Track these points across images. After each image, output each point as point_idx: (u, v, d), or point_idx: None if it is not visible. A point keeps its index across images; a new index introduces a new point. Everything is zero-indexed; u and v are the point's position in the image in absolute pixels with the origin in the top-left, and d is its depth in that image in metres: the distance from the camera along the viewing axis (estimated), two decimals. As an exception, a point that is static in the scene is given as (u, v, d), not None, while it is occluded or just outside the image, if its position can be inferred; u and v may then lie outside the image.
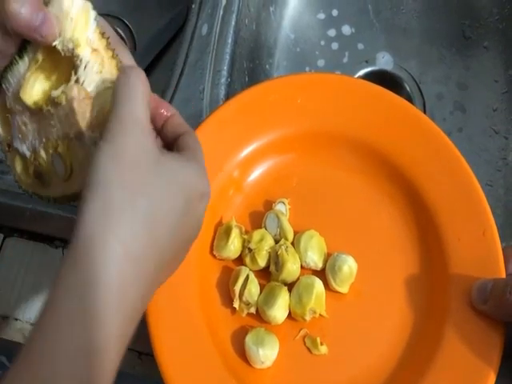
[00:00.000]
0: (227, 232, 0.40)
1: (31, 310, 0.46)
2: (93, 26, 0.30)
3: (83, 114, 0.28)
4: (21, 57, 0.30)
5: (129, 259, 0.25)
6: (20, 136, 0.31)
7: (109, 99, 0.28)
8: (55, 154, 0.30)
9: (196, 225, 0.30)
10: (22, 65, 0.30)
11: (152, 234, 0.25)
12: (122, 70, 0.28)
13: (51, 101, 0.29)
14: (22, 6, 0.27)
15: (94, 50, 0.30)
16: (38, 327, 0.25)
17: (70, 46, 0.29)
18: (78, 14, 0.29)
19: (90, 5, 0.30)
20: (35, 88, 0.30)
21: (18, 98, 0.30)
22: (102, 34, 0.31)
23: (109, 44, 0.31)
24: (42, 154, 0.30)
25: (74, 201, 0.31)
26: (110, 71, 0.30)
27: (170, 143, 0.32)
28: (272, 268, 0.39)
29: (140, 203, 0.25)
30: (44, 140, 0.30)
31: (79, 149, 0.29)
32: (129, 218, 0.24)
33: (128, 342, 0.27)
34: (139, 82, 0.27)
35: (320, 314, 0.38)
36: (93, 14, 0.30)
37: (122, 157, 0.25)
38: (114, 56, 0.31)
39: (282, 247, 0.38)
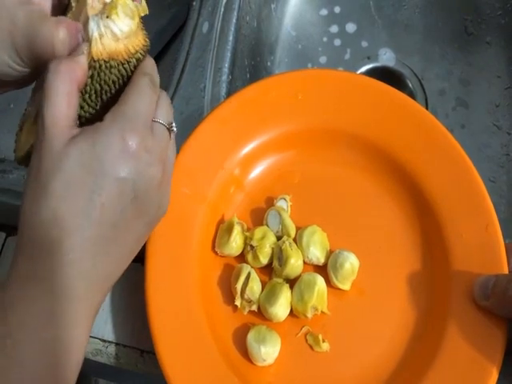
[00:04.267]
0: (229, 229, 0.40)
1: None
2: None
3: None
4: None
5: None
6: None
7: None
8: None
9: (121, 186, 0.28)
10: None
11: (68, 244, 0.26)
12: (50, 65, 0.28)
13: None
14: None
15: None
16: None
17: None
18: None
19: None
20: None
21: None
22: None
23: None
24: None
25: None
26: None
27: None
28: (275, 263, 0.39)
29: (42, 208, 0.27)
30: None
31: None
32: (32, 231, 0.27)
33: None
34: (56, 79, 0.27)
35: (322, 311, 0.38)
36: None
37: (33, 163, 0.27)
38: None
39: (286, 242, 0.38)
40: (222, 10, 0.54)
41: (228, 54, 0.53)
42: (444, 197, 0.40)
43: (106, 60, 0.30)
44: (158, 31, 0.64)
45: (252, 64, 0.59)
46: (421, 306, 0.38)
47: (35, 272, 0.27)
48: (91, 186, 0.26)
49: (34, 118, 0.32)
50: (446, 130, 0.42)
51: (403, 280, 0.39)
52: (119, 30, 0.30)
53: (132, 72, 0.31)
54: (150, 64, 0.32)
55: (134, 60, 0.31)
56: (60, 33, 0.29)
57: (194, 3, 0.55)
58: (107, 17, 0.30)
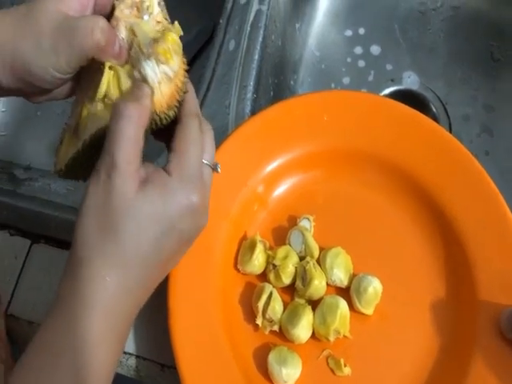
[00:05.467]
0: (251, 247, 0.40)
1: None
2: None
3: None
4: None
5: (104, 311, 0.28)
6: None
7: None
8: None
9: (181, 237, 0.31)
10: None
11: (125, 278, 0.28)
12: (114, 107, 0.29)
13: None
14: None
15: (158, 22, 0.32)
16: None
17: None
18: None
19: None
20: None
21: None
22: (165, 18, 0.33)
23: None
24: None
25: None
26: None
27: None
28: (298, 283, 0.39)
29: (109, 248, 0.28)
30: None
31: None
32: (99, 263, 0.28)
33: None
34: (128, 124, 0.28)
35: (344, 335, 0.37)
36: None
37: (100, 201, 0.28)
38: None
39: (310, 262, 0.38)
40: (249, 28, 0.54)
41: (253, 72, 0.53)
42: (470, 223, 0.39)
43: (166, 112, 0.30)
44: (182, 47, 0.64)
45: (276, 82, 0.59)
46: (445, 335, 0.38)
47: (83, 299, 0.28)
48: (157, 235, 0.29)
49: (73, 130, 0.32)
50: (471, 155, 0.41)
51: (427, 307, 0.39)
52: (172, 71, 0.30)
53: (180, 103, 0.31)
54: (195, 101, 0.33)
55: (182, 93, 0.32)
56: (100, 21, 0.30)
57: (221, 21, 0.55)
58: (161, 61, 0.30)
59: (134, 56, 0.31)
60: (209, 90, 0.51)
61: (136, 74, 0.30)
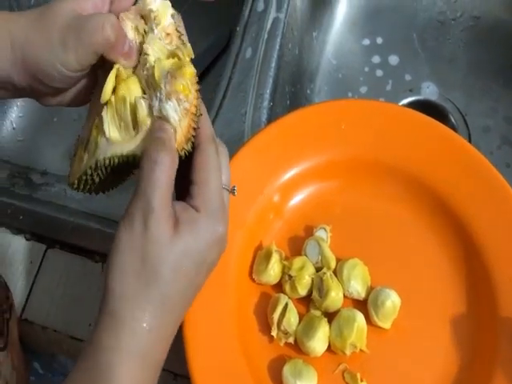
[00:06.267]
0: (267, 257, 0.39)
1: (70, 323, 0.46)
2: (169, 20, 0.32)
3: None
4: None
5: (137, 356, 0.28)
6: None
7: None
8: None
9: (209, 268, 0.32)
10: None
11: (163, 324, 0.29)
12: (146, 153, 0.29)
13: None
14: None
15: (167, 35, 0.32)
16: None
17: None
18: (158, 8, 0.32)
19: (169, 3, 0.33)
20: None
21: None
22: (177, 30, 0.32)
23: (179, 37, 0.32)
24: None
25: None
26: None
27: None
28: (315, 295, 0.38)
29: (150, 299, 0.28)
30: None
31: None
32: (139, 315, 0.28)
33: None
34: (162, 172, 0.29)
35: (360, 349, 0.36)
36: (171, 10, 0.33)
37: (136, 248, 0.28)
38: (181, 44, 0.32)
39: (327, 273, 0.37)
40: (266, 36, 0.54)
41: (270, 80, 0.53)
42: (491, 237, 0.38)
43: (185, 147, 0.30)
44: (199, 54, 0.64)
45: (292, 91, 0.59)
46: (464, 351, 0.37)
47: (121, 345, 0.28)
48: (192, 275, 0.30)
49: (85, 145, 0.32)
50: (493, 167, 0.41)
51: (446, 322, 0.38)
52: (190, 104, 0.30)
53: (195, 130, 0.31)
54: (209, 122, 0.33)
55: (197, 118, 0.31)
56: (111, 17, 0.30)
57: (238, 28, 0.55)
58: (182, 99, 0.30)
59: (145, 77, 0.31)
60: (225, 98, 0.51)
61: (156, 107, 0.30)
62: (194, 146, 0.31)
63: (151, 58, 0.31)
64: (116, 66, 0.31)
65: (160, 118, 0.30)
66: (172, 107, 0.30)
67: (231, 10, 0.61)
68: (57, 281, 0.47)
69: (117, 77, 0.31)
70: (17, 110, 0.67)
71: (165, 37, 0.32)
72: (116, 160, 0.30)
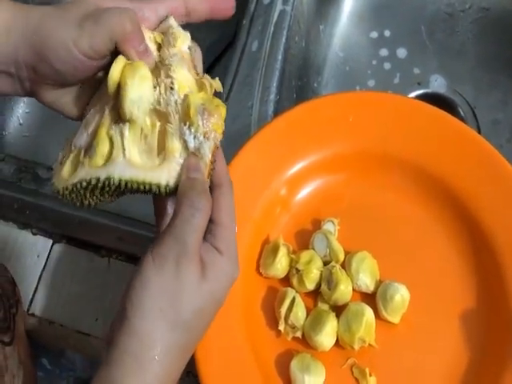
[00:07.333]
0: (274, 250, 0.39)
1: (76, 318, 0.46)
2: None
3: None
4: None
5: None
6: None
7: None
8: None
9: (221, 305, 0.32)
10: None
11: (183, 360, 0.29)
12: (188, 198, 0.29)
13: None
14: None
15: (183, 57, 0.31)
16: None
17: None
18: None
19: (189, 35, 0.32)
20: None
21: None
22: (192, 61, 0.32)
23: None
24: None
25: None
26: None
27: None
28: (324, 287, 0.37)
29: (177, 338, 0.29)
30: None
31: None
32: (168, 360, 0.28)
33: None
34: (202, 217, 0.29)
35: (369, 344, 0.36)
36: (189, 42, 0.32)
37: (166, 290, 0.28)
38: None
39: (336, 266, 0.37)
40: (272, 29, 0.54)
41: (276, 73, 0.52)
42: (502, 231, 0.38)
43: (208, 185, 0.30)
44: (206, 48, 0.64)
45: (299, 84, 0.58)
46: (475, 346, 0.36)
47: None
48: (212, 314, 0.30)
49: (85, 151, 0.31)
50: (503, 159, 0.40)
51: (456, 316, 0.37)
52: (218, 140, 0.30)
53: (213, 164, 0.31)
54: (224, 161, 0.32)
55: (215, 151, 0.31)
56: (131, 11, 0.30)
57: (244, 21, 0.55)
58: (217, 139, 0.30)
59: (172, 104, 0.30)
60: (231, 92, 0.51)
61: (192, 144, 0.30)
62: (212, 182, 0.31)
63: (180, 87, 0.30)
64: (124, 60, 0.30)
65: (194, 155, 0.30)
66: (208, 147, 0.29)
67: (237, 2, 0.60)
68: (63, 275, 0.47)
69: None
70: (23, 106, 0.67)
71: (190, 68, 0.32)
72: (135, 185, 0.30)
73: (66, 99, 0.33)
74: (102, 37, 0.29)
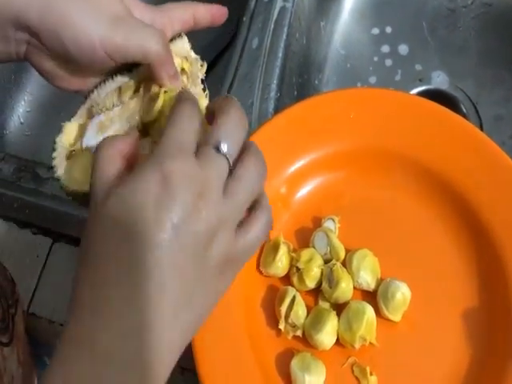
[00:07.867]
0: (275, 248, 0.39)
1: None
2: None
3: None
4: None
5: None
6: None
7: None
8: None
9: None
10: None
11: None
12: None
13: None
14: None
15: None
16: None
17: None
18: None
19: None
20: None
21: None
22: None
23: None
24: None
25: None
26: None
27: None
28: (325, 285, 0.37)
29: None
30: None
31: None
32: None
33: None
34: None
35: (370, 343, 0.36)
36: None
37: None
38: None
39: (337, 264, 0.37)
40: (272, 26, 0.54)
41: (277, 71, 0.52)
42: (504, 228, 0.38)
43: None
44: (206, 46, 0.64)
45: (300, 81, 0.58)
46: (477, 344, 0.36)
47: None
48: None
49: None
50: (506, 156, 0.40)
51: (458, 315, 0.37)
52: None
53: None
54: None
55: None
56: (164, 34, 0.30)
57: (244, 18, 0.54)
58: None
59: None
60: (231, 89, 0.51)
61: None
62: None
63: None
64: (163, 90, 0.31)
65: None
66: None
67: (237, 0, 0.60)
68: (63, 275, 0.46)
69: None
70: (24, 105, 0.67)
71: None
72: None
73: (65, 71, 0.31)
74: (135, 49, 0.29)
